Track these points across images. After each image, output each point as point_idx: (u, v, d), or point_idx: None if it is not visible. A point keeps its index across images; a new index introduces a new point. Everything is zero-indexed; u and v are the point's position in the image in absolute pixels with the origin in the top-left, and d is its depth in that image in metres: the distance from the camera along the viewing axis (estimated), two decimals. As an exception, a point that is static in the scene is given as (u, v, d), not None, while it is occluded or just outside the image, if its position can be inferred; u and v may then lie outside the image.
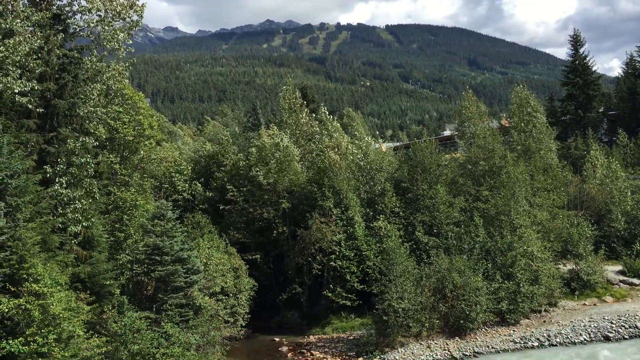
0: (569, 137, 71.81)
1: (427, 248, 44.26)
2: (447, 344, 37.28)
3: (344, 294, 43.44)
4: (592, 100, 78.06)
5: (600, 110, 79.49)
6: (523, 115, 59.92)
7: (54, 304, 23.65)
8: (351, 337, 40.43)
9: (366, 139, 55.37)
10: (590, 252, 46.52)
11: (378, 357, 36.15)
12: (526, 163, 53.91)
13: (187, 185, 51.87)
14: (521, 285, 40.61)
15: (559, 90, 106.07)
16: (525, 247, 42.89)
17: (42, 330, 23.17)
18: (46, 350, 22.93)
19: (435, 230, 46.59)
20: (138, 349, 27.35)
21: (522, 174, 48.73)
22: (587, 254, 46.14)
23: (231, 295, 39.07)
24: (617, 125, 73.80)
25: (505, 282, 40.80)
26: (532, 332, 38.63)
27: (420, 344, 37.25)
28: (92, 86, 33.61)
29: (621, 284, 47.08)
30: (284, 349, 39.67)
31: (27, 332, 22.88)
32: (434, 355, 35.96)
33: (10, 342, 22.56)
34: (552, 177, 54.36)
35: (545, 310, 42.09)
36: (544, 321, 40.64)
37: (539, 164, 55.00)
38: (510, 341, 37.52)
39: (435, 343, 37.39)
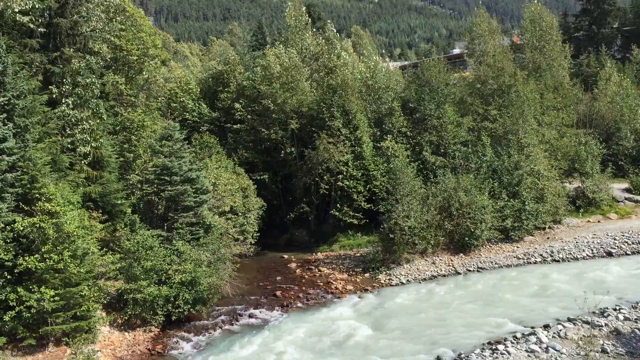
0: (582, 54, 70.29)
1: (434, 168, 44.44)
2: (451, 260, 38.21)
3: (351, 213, 44.12)
4: (607, 15, 75.80)
5: (614, 26, 77.33)
6: (535, 32, 58.44)
7: (68, 222, 24.28)
8: (358, 254, 41.44)
9: (374, 58, 54.42)
10: (597, 170, 46.64)
11: (384, 272, 37.17)
12: (536, 81, 53.11)
13: (195, 105, 51.71)
14: (526, 203, 41.05)
15: (573, 5, 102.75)
16: (532, 166, 43.03)
17: (57, 248, 23.93)
18: (62, 267, 23.78)
19: (442, 150, 46.61)
20: (151, 265, 28.24)
21: (531, 92, 48.16)
22: (594, 172, 46.27)
23: (240, 214, 39.77)
24: (631, 41, 71.98)
25: (511, 200, 41.23)
26: (536, 248, 39.42)
27: (426, 260, 38.20)
28: (94, 2, 32.89)
29: (626, 201, 47.53)
30: (293, 265, 40.80)
31: (42, 250, 23.65)
32: (439, 271, 36.94)
33: (27, 258, 23.37)
34: (562, 96, 53.71)
35: (549, 228, 42.74)
36: (548, 238, 41.38)
37: (550, 82, 54.17)
38: (514, 257, 38.37)
39: (440, 259, 38.31)
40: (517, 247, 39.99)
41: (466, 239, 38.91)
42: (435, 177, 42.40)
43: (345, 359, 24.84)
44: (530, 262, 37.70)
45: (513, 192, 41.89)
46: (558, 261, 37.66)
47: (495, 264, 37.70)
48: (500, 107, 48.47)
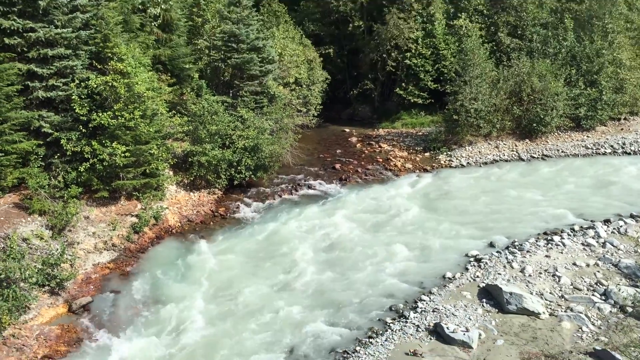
0: None
1: (509, 50, 42.38)
2: (515, 145, 37.46)
3: (416, 92, 43.28)
4: None
5: None
6: None
7: (138, 83, 24.86)
8: (419, 133, 41.13)
9: None
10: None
11: (445, 153, 36.96)
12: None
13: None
14: (604, 93, 39.03)
15: None
16: (615, 54, 40.36)
17: (129, 107, 24.75)
18: (132, 125, 24.72)
19: (519, 32, 44.07)
20: (216, 130, 28.98)
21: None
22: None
23: (304, 86, 39.66)
24: None
25: (588, 89, 39.25)
26: (607, 139, 38.01)
27: (489, 143, 37.61)
28: None
29: None
30: (353, 139, 41.02)
31: (114, 107, 24.51)
32: (501, 155, 36.40)
33: (100, 114, 24.35)
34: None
35: (624, 119, 40.91)
36: (622, 129, 39.69)
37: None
38: (582, 146, 37.23)
39: (504, 144, 37.61)
40: (588, 136, 38.65)
41: (534, 125, 37.79)
42: (509, 60, 40.55)
43: (399, 236, 25.48)
44: (599, 153, 36.56)
45: (591, 80, 39.75)
46: (629, 154, 36.34)
47: (562, 152, 36.75)
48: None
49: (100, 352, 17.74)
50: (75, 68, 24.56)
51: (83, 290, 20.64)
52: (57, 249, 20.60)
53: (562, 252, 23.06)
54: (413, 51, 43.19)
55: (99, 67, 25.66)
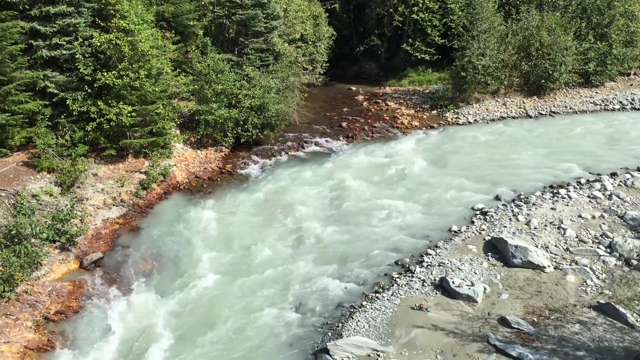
0: None
1: (518, 3, 41.51)
2: (523, 102, 37.14)
3: (423, 48, 42.71)
4: None
5: None
6: None
7: (142, 40, 24.65)
8: (426, 91, 40.80)
9: None
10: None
11: (452, 110, 36.72)
12: None
13: None
14: (614, 46, 38.39)
15: None
16: (626, 6, 39.50)
17: (133, 66, 24.60)
18: (138, 84, 24.63)
19: (529, -16, 43.15)
20: (222, 89, 28.86)
21: None
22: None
23: (310, 43, 39.22)
24: None
25: (597, 42, 38.60)
26: (616, 95, 37.60)
27: (496, 100, 37.29)
28: None
29: None
30: (360, 97, 40.77)
31: (119, 66, 24.38)
32: (509, 112, 36.16)
33: (105, 74, 24.24)
34: None
35: (634, 74, 40.30)
36: (631, 85, 39.21)
37: None
38: (591, 102, 36.88)
39: (512, 101, 37.29)
40: (596, 92, 38.22)
41: (542, 81, 37.36)
42: (518, 13, 39.78)
43: (406, 192, 25.58)
44: (607, 109, 36.23)
45: (601, 33, 39.04)
46: (638, 109, 35.94)
47: (570, 108, 36.45)
48: None
49: (111, 308, 18.10)
50: (78, 26, 24.35)
51: (93, 246, 20.95)
52: (67, 205, 20.85)
53: (567, 205, 23.11)
54: (420, 5, 42.43)
55: (102, 24, 25.44)
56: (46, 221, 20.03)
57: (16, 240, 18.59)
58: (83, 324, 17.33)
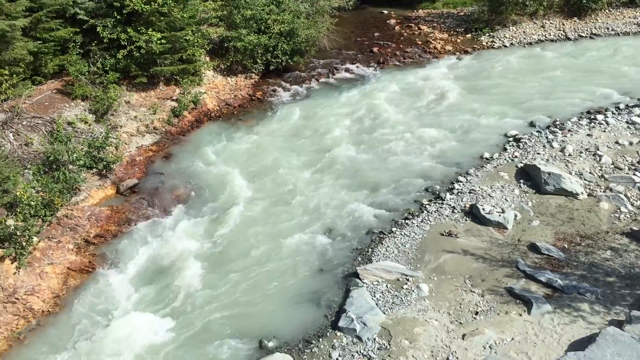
0: None
1: None
2: (563, 24, 35.66)
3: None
4: None
5: None
6: None
7: (169, -36, 24.17)
8: (461, 14, 39.45)
9: None
10: None
11: (487, 34, 35.55)
12: None
13: None
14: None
15: None
16: None
17: (161, -10, 24.26)
18: (166, 10, 24.37)
19: None
20: (251, 14, 28.39)
21: None
22: None
23: (341, -36, 37.88)
24: None
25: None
26: (663, 14, 35.81)
27: (534, 23, 35.89)
28: None
29: None
30: (392, 21, 39.64)
31: (147, -9, 24.07)
32: (547, 35, 34.85)
33: (133, 0, 23.99)
34: None
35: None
36: (679, 5, 37.13)
37: None
38: (634, 24, 35.21)
39: (551, 23, 35.84)
40: (641, 13, 36.43)
41: (584, 1, 35.65)
42: None
43: (437, 118, 25.25)
44: (651, 35, 34.63)
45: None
46: (685, 32, 34.32)
47: (612, 30, 34.91)
48: None
49: (148, 232, 18.71)
50: (104, -50, 23.97)
51: (129, 172, 21.45)
52: (102, 133, 21.24)
53: (604, 131, 22.57)
54: None
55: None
56: (82, 148, 20.48)
57: (54, 166, 19.13)
58: (122, 246, 18.01)
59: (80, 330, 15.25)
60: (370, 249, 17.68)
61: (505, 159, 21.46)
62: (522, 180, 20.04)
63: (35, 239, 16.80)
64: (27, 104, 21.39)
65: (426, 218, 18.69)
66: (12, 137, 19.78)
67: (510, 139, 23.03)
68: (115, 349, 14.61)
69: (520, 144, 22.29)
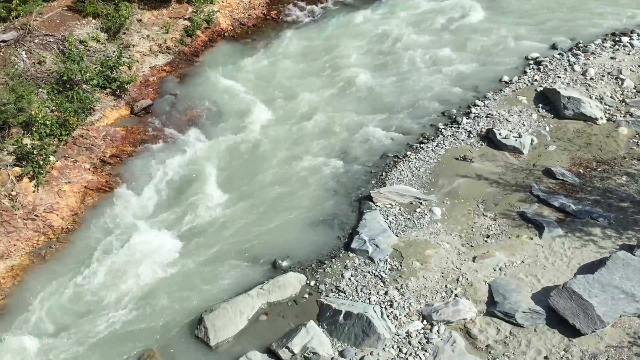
0: None
1: None
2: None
3: None
4: None
5: None
6: None
7: None
8: None
9: None
10: None
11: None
12: None
13: None
14: None
15: None
16: None
17: None
18: None
19: None
20: None
21: None
22: None
23: None
24: None
25: None
26: None
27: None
28: None
29: None
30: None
31: None
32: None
33: None
34: None
35: None
36: None
37: None
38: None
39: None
40: None
41: None
42: None
43: (457, 40, 24.46)
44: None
45: None
46: None
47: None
48: None
49: (163, 153, 18.82)
50: None
51: (143, 92, 21.31)
52: (114, 52, 20.96)
53: (629, 54, 21.80)
54: None
55: None
56: (95, 67, 20.29)
57: (68, 86, 19.05)
58: (138, 167, 18.20)
59: (98, 247, 15.69)
60: (384, 173, 17.71)
61: (524, 83, 20.98)
62: (540, 105, 19.68)
63: (52, 158, 17.01)
64: (38, 22, 21.05)
65: (441, 142, 18.57)
66: (25, 55, 19.61)
67: (531, 61, 22.38)
68: (132, 265, 15.07)
69: (541, 67, 21.70)
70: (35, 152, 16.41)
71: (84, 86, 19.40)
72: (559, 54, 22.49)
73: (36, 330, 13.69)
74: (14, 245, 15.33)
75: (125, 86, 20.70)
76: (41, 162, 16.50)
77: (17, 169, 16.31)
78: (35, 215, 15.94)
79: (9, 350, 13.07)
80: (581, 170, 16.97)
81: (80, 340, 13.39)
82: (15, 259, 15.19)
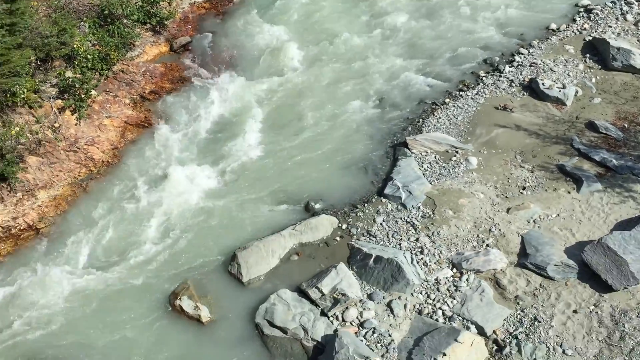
0: None
1: None
2: None
3: None
4: None
5: None
6: None
7: None
8: None
9: None
10: None
11: None
12: None
13: None
14: None
15: None
16: None
17: None
18: None
19: None
20: None
21: None
22: None
23: None
24: None
25: None
26: None
27: None
28: None
29: None
30: None
31: None
32: None
33: None
34: None
35: None
36: None
37: None
38: None
39: None
40: None
41: None
42: None
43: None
44: None
45: None
46: None
47: None
48: None
49: (202, 90, 18.90)
50: None
51: (182, 29, 21.23)
52: (155, -13, 20.86)
53: (689, 3, 20.70)
54: None
55: None
56: (136, 2, 20.21)
57: (109, 20, 19.08)
58: (176, 104, 18.36)
59: (137, 182, 16.07)
60: (421, 120, 17.52)
61: (572, 31, 20.18)
62: (588, 55, 18.97)
63: (93, 92, 17.25)
64: (80, -46, 20.96)
65: (481, 90, 18.18)
66: (67, -12, 19.64)
67: (581, 9, 21.42)
68: (169, 201, 15.43)
69: (591, 16, 20.77)
70: (77, 86, 16.66)
71: (125, 21, 19.41)
72: (611, 1, 21.43)
73: (77, 261, 14.26)
74: (57, 175, 15.81)
75: (165, 22, 20.65)
76: (83, 96, 16.77)
77: (60, 101, 16.62)
78: (77, 148, 16.33)
79: (53, 279, 13.68)
80: (626, 125, 16.48)
81: (118, 272, 13.93)
82: (57, 189, 15.69)
